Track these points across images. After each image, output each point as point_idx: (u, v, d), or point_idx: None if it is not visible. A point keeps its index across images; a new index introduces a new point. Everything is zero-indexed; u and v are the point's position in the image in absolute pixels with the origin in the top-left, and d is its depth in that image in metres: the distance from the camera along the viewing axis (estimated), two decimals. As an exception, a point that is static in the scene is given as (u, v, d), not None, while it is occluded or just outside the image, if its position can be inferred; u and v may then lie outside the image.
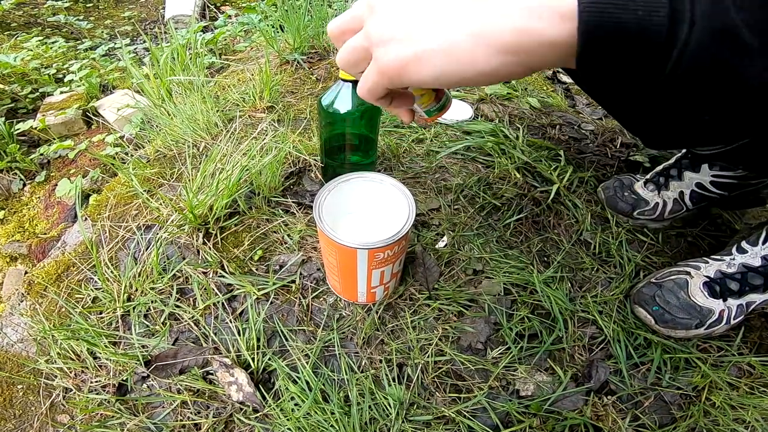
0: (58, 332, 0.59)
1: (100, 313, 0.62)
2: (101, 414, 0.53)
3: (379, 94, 0.35)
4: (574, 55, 0.26)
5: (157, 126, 0.96)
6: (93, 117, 1.27)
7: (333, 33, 0.37)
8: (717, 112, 0.30)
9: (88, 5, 2.29)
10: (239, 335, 0.57)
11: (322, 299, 0.62)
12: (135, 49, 1.75)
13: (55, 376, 0.57)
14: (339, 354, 0.56)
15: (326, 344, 0.57)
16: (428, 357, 0.56)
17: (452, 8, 0.29)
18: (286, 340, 0.58)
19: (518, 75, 0.30)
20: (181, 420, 0.52)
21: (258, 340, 0.57)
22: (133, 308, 0.61)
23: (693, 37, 0.23)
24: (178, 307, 0.61)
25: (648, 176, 0.75)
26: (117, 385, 0.55)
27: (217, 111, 0.92)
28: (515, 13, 0.26)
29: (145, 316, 0.61)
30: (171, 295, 0.62)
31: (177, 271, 0.65)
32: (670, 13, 0.23)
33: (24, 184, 1.13)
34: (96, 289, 0.65)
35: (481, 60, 0.28)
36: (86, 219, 0.78)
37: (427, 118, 0.43)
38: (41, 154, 1.16)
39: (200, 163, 0.78)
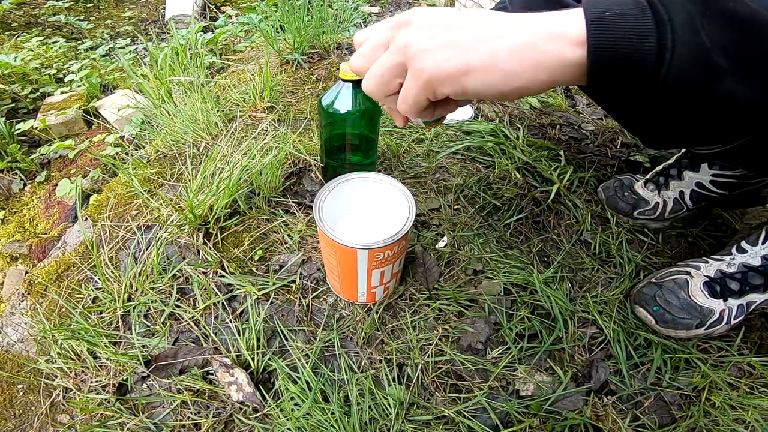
0: (59, 332, 0.59)
1: (101, 313, 0.62)
2: (101, 414, 0.53)
3: (423, 106, 0.35)
4: (584, 73, 0.31)
5: (157, 126, 0.96)
6: (93, 117, 1.27)
7: (359, 66, 0.37)
8: (703, 117, 0.35)
9: (88, 5, 2.29)
10: (239, 335, 0.57)
11: (322, 299, 0.62)
12: (135, 49, 1.75)
13: (56, 376, 0.57)
14: (339, 354, 0.56)
15: (326, 344, 0.57)
16: (428, 357, 0.56)
17: (487, 25, 0.32)
18: (286, 340, 0.58)
19: (540, 91, 0.33)
20: (181, 420, 0.52)
21: (258, 340, 0.57)
22: (134, 308, 0.61)
23: (674, 62, 0.29)
24: (178, 307, 0.61)
25: (648, 176, 0.75)
26: (117, 384, 0.55)
27: (218, 111, 0.92)
28: (539, 37, 0.31)
29: (146, 316, 0.61)
30: (171, 295, 0.62)
31: (177, 271, 0.65)
32: (657, 47, 0.29)
33: (24, 184, 1.13)
34: (96, 289, 0.65)
35: (519, 74, 0.31)
36: (86, 219, 0.78)
37: (424, 126, 0.43)
38: (42, 154, 1.16)
39: (200, 163, 0.78)
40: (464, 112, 0.95)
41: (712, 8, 0.28)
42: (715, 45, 0.28)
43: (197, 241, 0.68)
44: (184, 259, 0.66)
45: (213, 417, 0.52)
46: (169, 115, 0.92)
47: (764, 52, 0.28)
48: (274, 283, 0.62)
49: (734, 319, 0.59)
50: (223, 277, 0.63)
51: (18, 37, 1.79)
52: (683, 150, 0.73)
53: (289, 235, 0.69)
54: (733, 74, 0.29)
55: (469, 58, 0.31)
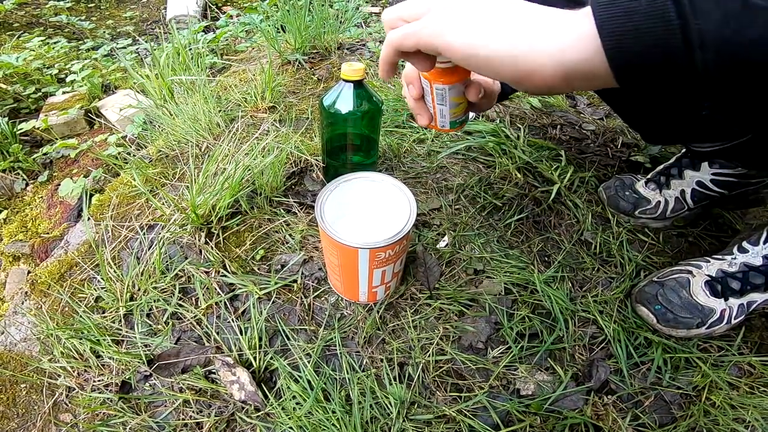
0: (62, 331, 0.59)
1: (103, 312, 0.62)
2: (104, 413, 0.54)
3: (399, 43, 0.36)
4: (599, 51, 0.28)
5: (159, 126, 0.97)
6: (95, 117, 1.27)
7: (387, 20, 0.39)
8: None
9: (89, 5, 2.29)
10: (241, 334, 0.57)
11: (323, 299, 0.62)
12: (137, 49, 1.75)
13: (59, 375, 0.57)
14: (340, 353, 0.56)
15: (328, 343, 0.58)
16: (429, 356, 0.56)
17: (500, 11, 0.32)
18: (288, 339, 0.58)
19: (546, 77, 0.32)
20: (183, 419, 0.52)
21: (260, 339, 0.57)
22: (136, 307, 0.61)
23: (706, 31, 0.24)
24: (180, 306, 0.61)
25: (649, 176, 0.76)
26: (120, 383, 0.55)
27: (219, 111, 0.92)
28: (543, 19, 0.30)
29: (148, 315, 0.61)
30: (173, 294, 0.62)
31: (179, 270, 0.65)
32: (681, 25, 0.24)
33: (27, 184, 1.14)
34: (99, 288, 0.65)
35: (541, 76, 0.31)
36: (89, 218, 0.78)
37: (448, 128, 0.46)
38: (44, 154, 1.17)
39: (202, 163, 0.78)
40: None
41: None
42: None
43: (199, 240, 0.68)
44: (186, 258, 0.66)
45: (215, 416, 0.52)
46: (171, 115, 0.92)
47: None
48: (275, 283, 0.63)
49: (735, 319, 0.59)
50: (225, 276, 0.64)
51: (20, 37, 1.79)
52: (683, 149, 0.73)
53: (290, 235, 0.69)
54: None
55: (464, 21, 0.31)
